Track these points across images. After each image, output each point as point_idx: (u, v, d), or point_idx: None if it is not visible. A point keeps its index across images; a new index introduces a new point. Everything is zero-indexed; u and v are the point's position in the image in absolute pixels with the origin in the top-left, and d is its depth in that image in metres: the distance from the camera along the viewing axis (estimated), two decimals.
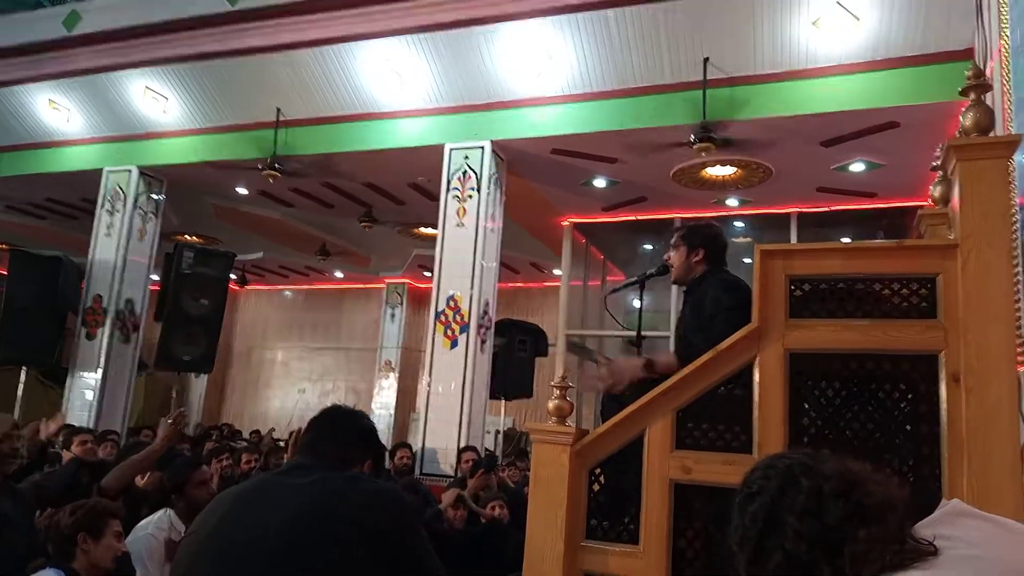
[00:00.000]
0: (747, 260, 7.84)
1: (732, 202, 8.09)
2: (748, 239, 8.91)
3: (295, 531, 1.41)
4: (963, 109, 2.25)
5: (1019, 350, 3.14)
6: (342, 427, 1.74)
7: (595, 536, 2.39)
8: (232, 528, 1.45)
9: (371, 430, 1.79)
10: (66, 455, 4.42)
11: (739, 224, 8.76)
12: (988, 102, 2.35)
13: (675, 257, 2.97)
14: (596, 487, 2.43)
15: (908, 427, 2.14)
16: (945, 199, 2.74)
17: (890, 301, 2.21)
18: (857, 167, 6.87)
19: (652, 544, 2.29)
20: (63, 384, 8.42)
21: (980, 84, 2.23)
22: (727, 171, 7.10)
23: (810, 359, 2.25)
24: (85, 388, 8.14)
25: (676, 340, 3.08)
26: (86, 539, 2.42)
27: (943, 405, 2.11)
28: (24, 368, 8.64)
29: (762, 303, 2.29)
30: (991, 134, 2.24)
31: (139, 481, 3.55)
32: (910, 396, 2.16)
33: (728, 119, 6.07)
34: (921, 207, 7.11)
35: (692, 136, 5.97)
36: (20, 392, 8.66)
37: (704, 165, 6.92)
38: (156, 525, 3.05)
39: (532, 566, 2.39)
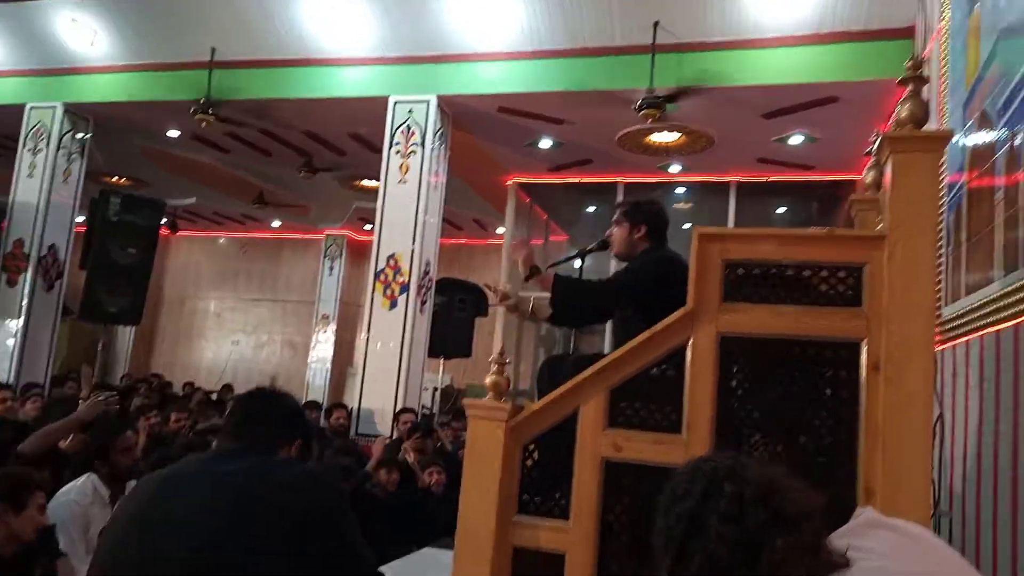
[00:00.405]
0: (686, 226, 7.99)
1: (675, 168, 8.17)
2: (689, 205, 9.04)
3: (221, 520, 1.38)
4: (900, 100, 2.29)
5: (936, 337, 3.29)
6: (269, 409, 1.70)
7: (527, 511, 2.42)
8: (155, 517, 1.42)
9: (299, 412, 1.76)
10: None
11: (680, 190, 8.86)
12: (925, 93, 2.41)
13: (617, 233, 2.99)
14: (530, 463, 2.46)
15: (829, 412, 2.22)
16: (877, 185, 2.80)
17: (818, 289, 2.26)
18: (796, 139, 7.00)
19: (582, 519, 2.34)
20: None
21: (918, 76, 2.27)
22: (671, 137, 7.15)
23: (741, 343, 2.30)
24: (6, 337, 7.80)
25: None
26: (7, 510, 2.34)
27: (862, 392, 2.19)
28: None
29: (698, 286, 2.32)
30: (925, 127, 2.29)
31: (63, 444, 3.43)
32: (832, 382, 2.24)
33: (675, 86, 6.07)
34: (855, 181, 7.34)
35: (639, 101, 5.96)
36: None
37: (649, 131, 6.94)
38: (79, 491, 2.97)
39: (464, 539, 2.42)
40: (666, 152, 7.59)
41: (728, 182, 8.35)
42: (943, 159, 3.16)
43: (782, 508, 1.03)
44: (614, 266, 7.94)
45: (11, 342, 7.76)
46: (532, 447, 2.47)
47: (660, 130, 6.94)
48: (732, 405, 2.30)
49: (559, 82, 6.43)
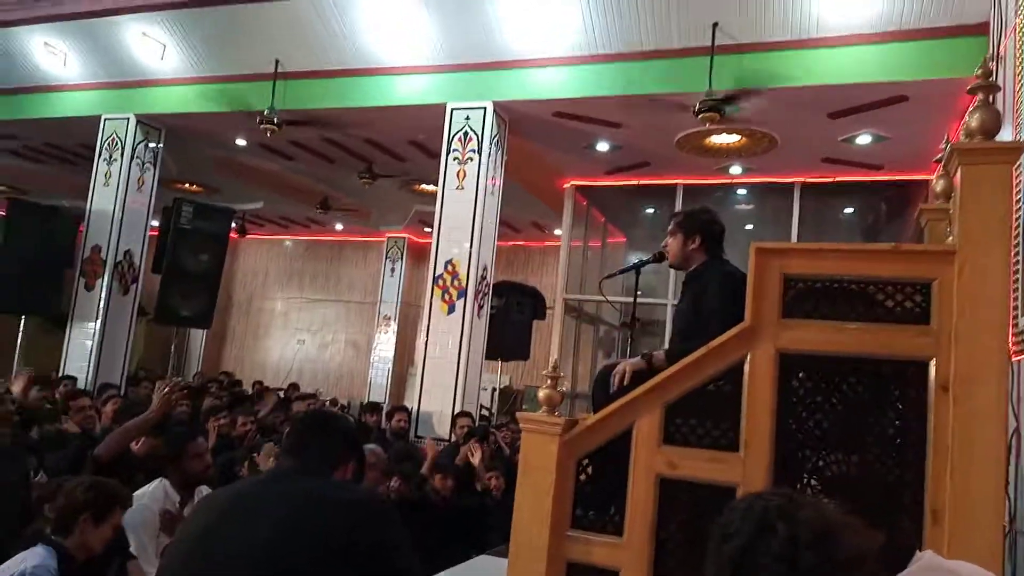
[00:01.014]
0: (748, 227, 7.79)
1: (735, 170, 8.01)
2: (750, 207, 8.85)
3: (279, 544, 1.43)
4: (970, 109, 2.20)
5: (1013, 347, 3.14)
6: (326, 430, 1.74)
7: (581, 526, 2.42)
8: (216, 539, 1.47)
9: (353, 433, 1.80)
10: (67, 425, 4.35)
11: (741, 192, 8.69)
12: (997, 99, 2.31)
13: (672, 244, 2.95)
14: (583, 477, 2.46)
15: (895, 432, 2.15)
16: (947, 194, 2.70)
17: (884, 305, 2.19)
18: (864, 139, 6.78)
19: (636, 536, 2.33)
20: None
21: (989, 85, 2.18)
22: (731, 139, 7.01)
23: (801, 360, 2.25)
24: (84, 338, 8.19)
25: (673, 329, 3.07)
26: (88, 519, 2.44)
27: (931, 412, 2.11)
28: (24, 317, 8.67)
29: (756, 301, 2.28)
30: (999, 135, 2.20)
31: (134, 447, 3.58)
32: (899, 402, 2.16)
33: (735, 88, 5.96)
34: (927, 181, 7.07)
35: (697, 105, 5.87)
36: (19, 340, 8.72)
37: (709, 133, 6.82)
38: (151, 496, 3.09)
39: (518, 553, 2.43)
40: (726, 154, 7.45)
41: (792, 183, 8.15)
42: (1018, 168, 3.02)
43: (836, 551, 1.01)
44: (673, 277, 7.86)
45: (89, 344, 8.13)
46: (586, 462, 2.46)
47: (720, 132, 6.81)
48: (791, 424, 2.25)
49: (616, 86, 6.39)
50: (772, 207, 8.61)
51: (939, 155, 2.84)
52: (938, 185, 2.81)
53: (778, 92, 5.97)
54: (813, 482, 2.23)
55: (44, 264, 8.30)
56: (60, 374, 7.92)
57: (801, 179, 8.08)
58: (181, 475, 3.18)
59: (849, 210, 8.69)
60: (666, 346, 3.10)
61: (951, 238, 2.24)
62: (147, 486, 3.15)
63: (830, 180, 7.97)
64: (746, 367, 2.28)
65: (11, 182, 11.85)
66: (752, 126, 6.67)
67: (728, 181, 8.37)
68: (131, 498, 2.63)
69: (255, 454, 4.20)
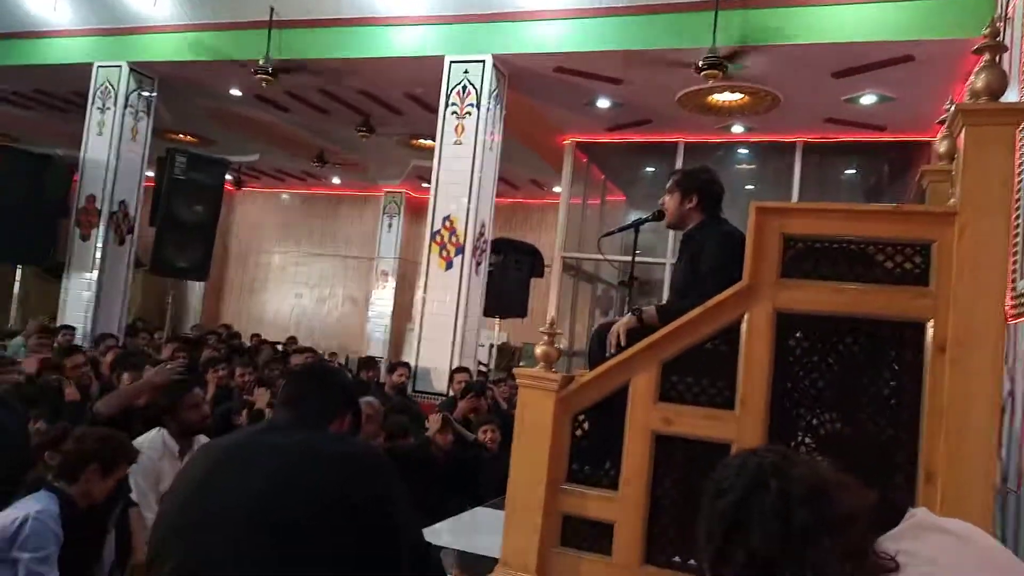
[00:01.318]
0: (749, 187, 7.73)
1: (737, 128, 7.93)
2: (752, 166, 8.79)
3: (273, 495, 1.44)
4: (976, 69, 2.17)
5: (1009, 310, 3.15)
6: (323, 383, 1.75)
7: (576, 480, 2.45)
8: (211, 489, 1.49)
9: (350, 387, 1.80)
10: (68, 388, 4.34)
11: (743, 151, 8.62)
12: (1004, 61, 2.27)
13: (669, 202, 2.93)
14: (579, 433, 2.49)
15: (890, 393, 2.17)
16: (950, 155, 2.68)
17: (883, 266, 2.19)
18: (868, 99, 6.70)
19: (631, 491, 2.36)
20: None
21: (996, 45, 2.15)
22: (734, 97, 6.93)
23: (799, 320, 2.26)
24: (82, 289, 8.17)
25: (671, 287, 3.07)
26: (97, 470, 2.47)
27: (927, 373, 2.13)
28: (19, 267, 8.64)
29: (754, 261, 2.27)
30: (1003, 97, 2.18)
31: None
32: (895, 363, 2.18)
33: (739, 44, 5.86)
34: (930, 142, 7.02)
35: (700, 62, 5.78)
36: (16, 290, 8.71)
37: (711, 91, 6.74)
38: (150, 444, 3.12)
39: (514, 506, 2.47)
40: (728, 112, 7.37)
41: (794, 143, 8.08)
42: (1020, 137, 2.99)
43: (829, 509, 1.02)
44: (672, 236, 7.83)
45: (86, 294, 8.12)
46: (582, 418, 2.49)
47: (723, 90, 6.73)
48: (787, 383, 2.26)
49: (618, 41, 6.27)
50: (774, 167, 8.55)
51: (943, 116, 2.81)
52: (941, 146, 2.79)
53: (782, 49, 5.88)
54: (808, 441, 2.25)
55: (38, 213, 8.23)
56: (58, 323, 7.93)
57: (803, 139, 8.01)
58: (179, 425, 3.22)
59: (851, 171, 8.63)
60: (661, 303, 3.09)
61: (952, 200, 2.23)
62: (146, 435, 3.19)
63: (833, 140, 7.91)
64: (743, 326, 2.28)
65: (1, 129, 11.69)
66: (755, 84, 6.58)
67: (730, 140, 8.29)
68: (138, 454, 2.66)
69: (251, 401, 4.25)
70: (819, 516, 1.01)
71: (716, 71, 5.76)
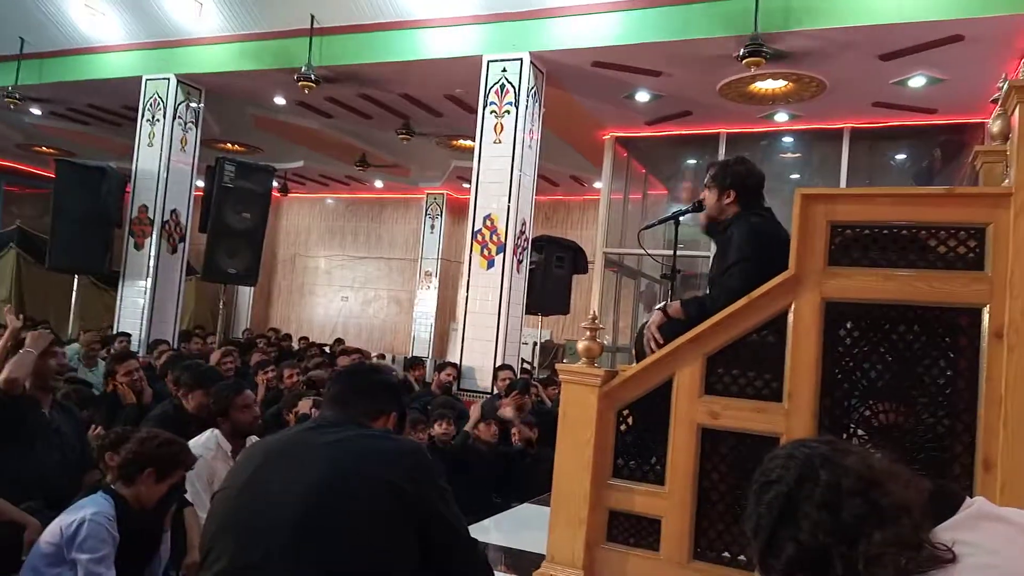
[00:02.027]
0: (794, 176, 7.56)
1: (782, 117, 7.77)
2: (797, 155, 8.60)
3: (321, 491, 1.46)
4: None
5: None
6: (369, 382, 1.77)
7: (621, 475, 2.44)
8: (261, 485, 1.52)
9: (396, 386, 1.82)
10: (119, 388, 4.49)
11: (788, 140, 8.44)
12: None
13: (708, 197, 2.87)
14: (624, 427, 2.47)
15: (946, 382, 2.10)
16: (1004, 135, 2.58)
17: (936, 251, 2.13)
18: (917, 81, 6.49)
19: (678, 485, 2.33)
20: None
21: None
22: (777, 85, 6.78)
23: (848, 308, 2.20)
24: (136, 296, 8.42)
25: (708, 281, 3.02)
26: (152, 474, 2.52)
27: (983, 360, 2.06)
28: (76, 276, 8.94)
29: (800, 249, 2.23)
30: None
31: (187, 405, 3.69)
32: (950, 350, 2.11)
33: (781, 30, 5.74)
34: (983, 124, 6.77)
35: (741, 50, 5.67)
36: (74, 299, 9.01)
37: (753, 79, 6.61)
38: (203, 445, 3.20)
39: (560, 501, 2.46)
40: (772, 100, 7.22)
41: (841, 129, 7.88)
42: None
43: (882, 499, 0.99)
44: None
45: (141, 301, 8.37)
46: (626, 412, 2.47)
47: (765, 77, 6.60)
48: (837, 374, 2.21)
49: (656, 33, 6.20)
50: (820, 155, 8.36)
51: (996, 95, 2.71)
52: (995, 126, 2.69)
53: (827, 33, 5.74)
54: (860, 432, 2.20)
55: (93, 224, 8.49)
56: (114, 331, 8.18)
57: (850, 125, 7.80)
58: (231, 426, 3.30)
59: (901, 156, 8.39)
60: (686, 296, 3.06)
61: (1007, 181, 2.15)
62: (200, 436, 3.26)
63: (881, 125, 7.69)
64: (790, 317, 2.24)
65: (58, 144, 12.11)
66: (799, 70, 6.44)
67: (774, 129, 8.13)
68: (195, 461, 2.71)
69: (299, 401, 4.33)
70: (871, 507, 0.98)
71: (758, 58, 5.65)
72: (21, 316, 4.23)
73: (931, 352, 2.13)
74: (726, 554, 2.26)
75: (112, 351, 6.39)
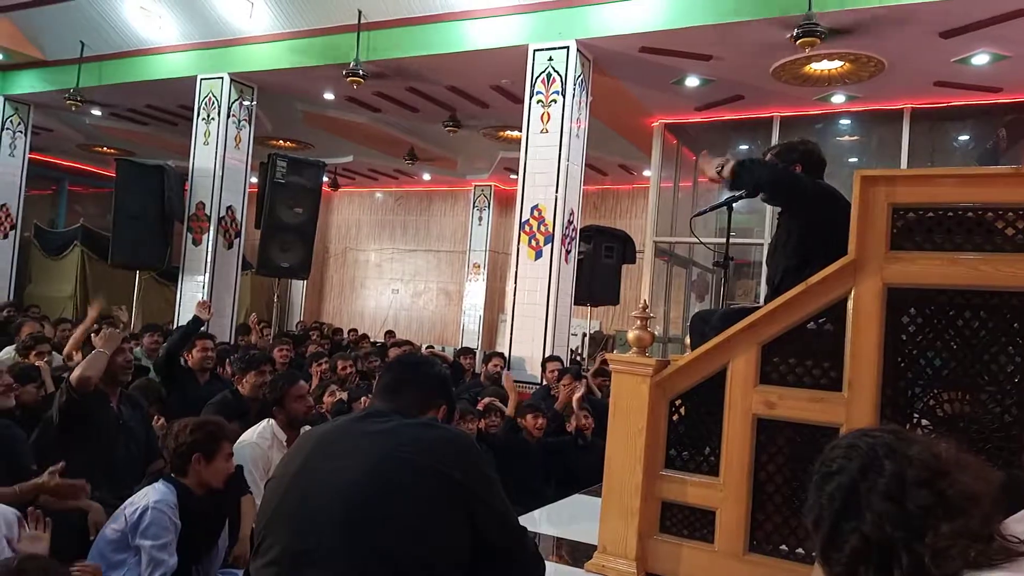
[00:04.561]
0: (852, 159, 7.33)
1: (838, 99, 7.54)
2: (855, 138, 8.35)
3: (369, 481, 1.47)
4: None
5: None
6: (418, 373, 1.77)
7: (674, 466, 2.41)
8: (311, 475, 1.53)
9: (445, 377, 1.82)
10: (189, 357, 4.72)
11: (844, 122, 8.19)
12: None
13: None
14: (676, 418, 2.43)
15: (1015, 369, 2.01)
16: None
17: (1003, 233, 2.03)
18: (980, 59, 6.23)
19: (732, 477, 2.29)
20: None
21: None
22: (834, 65, 6.58)
23: (911, 294, 2.13)
24: (195, 291, 8.66)
25: (768, 264, 2.95)
26: (200, 459, 2.60)
27: None
28: (138, 271, 9.23)
29: (860, 234, 2.16)
30: None
31: (243, 390, 3.79)
32: (1020, 336, 2.02)
33: (836, 9, 5.56)
34: None
35: (795, 31, 5.52)
36: (136, 292, 9.31)
37: (808, 60, 6.42)
38: (260, 435, 3.28)
39: (611, 492, 2.44)
40: (828, 82, 7.01)
41: (901, 110, 7.61)
42: None
43: (948, 490, 0.95)
44: (769, 214, 7.56)
45: (199, 296, 8.59)
46: (679, 402, 2.43)
47: (821, 58, 6.40)
48: (900, 362, 2.14)
49: (706, 15, 6.07)
50: (879, 137, 8.09)
51: None
52: None
53: (885, 11, 5.53)
54: (923, 422, 2.12)
55: (153, 221, 8.76)
56: (174, 325, 8.43)
57: (911, 105, 7.53)
58: (286, 416, 3.36)
59: (964, 137, 8.06)
60: (763, 287, 2.99)
61: None
62: (256, 426, 3.34)
63: (943, 105, 7.40)
64: (850, 303, 2.17)
65: (118, 144, 12.51)
66: (856, 50, 6.23)
67: (830, 111, 7.90)
68: (235, 431, 2.74)
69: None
70: (938, 498, 0.94)
71: (813, 38, 5.48)
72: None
73: (999, 339, 2.04)
74: (783, 547, 2.22)
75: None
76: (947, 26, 5.70)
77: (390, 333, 11.20)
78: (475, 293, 13.26)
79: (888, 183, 2.15)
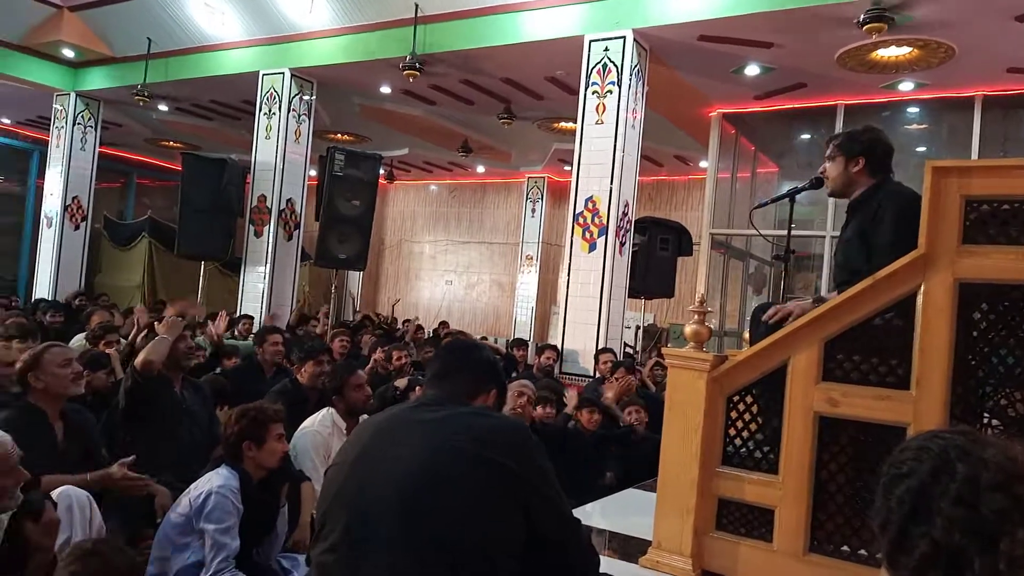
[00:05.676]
0: (920, 149, 7.09)
1: (906, 86, 7.27)
2: (923, 127, 8.04)
3: (423, 469, 1.49)
4: None
5: None
6: (468, 359, 1.79)
7: (732, 463, 2.37)
8: (369, 463, 1.56)
9: (494, 363, 1.83)
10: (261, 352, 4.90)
11: (912, 110, 7.90)
12: None
13: (831, 168, 2.72)
14: (734, 414, 2.39)
15: None
16: None
17: None
18: None
19: (792, 475, 2.24)
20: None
21: None
22: (901, 52, 6.34)
23: (984, 289, 2.04)
24: (257, 281, 8.90)
25: (835, 263, 2.83)
26: (251, 446, 2.67)
27: None
28: (203, 262, 9.53)
29: (931, 227, 2.08)
30: None
31: (302, 379, 3.88)
32: None
33: None
34: None
35: (861, 16, 5.33)
36: (201, 282, 9.62)
37: (875, 46, 6.21)
38: (320, 423, 3.36)
39: (667, 488, 2.42)
40: (895, 68, 6.77)
41: (972, 97, 7.30)
42: None
43: None
44: (832, 206, 7.35)
45: (260, 286, 8.83)
46: (737, 398, 2.39)
47: (888, 44, 6.18)
48: (971, 360, 2.06)
49: (767, 1, 5.92)
50: (949, 125, 7.78)
51: None
52: None
53: None
54: (994, 423, 2.04)
55: (217, 213, 9.03)
56: (237, 314, 8.67)
57: (983, 92, 7.22)
58: (345, 405, 3.43)
59: None
60: (824, 281, 2.90)
61: None
62: (317, 414, 3.42)
63: (1017, 92, 7.07)
64: (919, 298, 2.10)
65: (184, 139, 12.91)
66: (926, 36, 6.00)
67: (897, 98, 7.63)
68: (280, 411, 2.78)
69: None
70: (1014, 503, 0.90)
71: (881, 24, 5.30)
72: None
73: None
74: (845, 548, 2.16)
75: (237, 332, 6.89)
76: (1022, 9, 5.43)
77: (444, 324, 11.29)
78: (528, 285, 13.28)
79: (961, 174, 2.06)
